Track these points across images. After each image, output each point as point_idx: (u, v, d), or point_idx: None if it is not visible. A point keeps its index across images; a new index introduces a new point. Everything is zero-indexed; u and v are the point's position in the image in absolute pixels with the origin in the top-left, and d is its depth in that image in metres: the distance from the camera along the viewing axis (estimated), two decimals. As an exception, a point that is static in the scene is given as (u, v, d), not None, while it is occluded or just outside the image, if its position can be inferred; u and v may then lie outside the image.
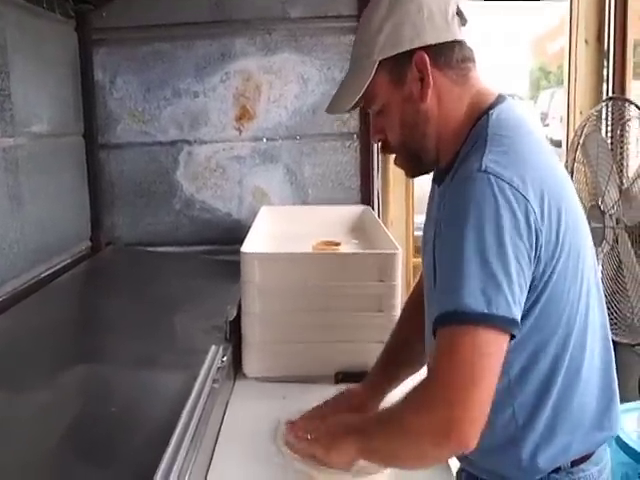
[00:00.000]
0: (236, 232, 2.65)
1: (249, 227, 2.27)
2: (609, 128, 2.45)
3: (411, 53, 1.21)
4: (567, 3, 3.06)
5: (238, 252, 1.89)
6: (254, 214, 2.56)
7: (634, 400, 2.30)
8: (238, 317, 1.88)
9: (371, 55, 1.22)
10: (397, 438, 1.17)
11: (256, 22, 2.82)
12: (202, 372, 1.50)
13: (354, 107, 1.28)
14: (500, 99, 1.24)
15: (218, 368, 1.61)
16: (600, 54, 2.98)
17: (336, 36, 2.83)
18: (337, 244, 2.21)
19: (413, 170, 1.36)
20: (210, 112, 2.87)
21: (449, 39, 1.22)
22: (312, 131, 2.87)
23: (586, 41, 2.98)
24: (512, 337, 1.10)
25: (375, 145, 2.86)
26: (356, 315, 1.88)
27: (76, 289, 2.36)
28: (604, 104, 2.52)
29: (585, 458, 1.24)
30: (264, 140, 2.89)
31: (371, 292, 1.88)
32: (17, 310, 1.97)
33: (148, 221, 2.92)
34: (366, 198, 2.88)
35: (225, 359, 1.68)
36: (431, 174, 1.40)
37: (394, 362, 1.57)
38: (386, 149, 1.33)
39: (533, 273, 1.11)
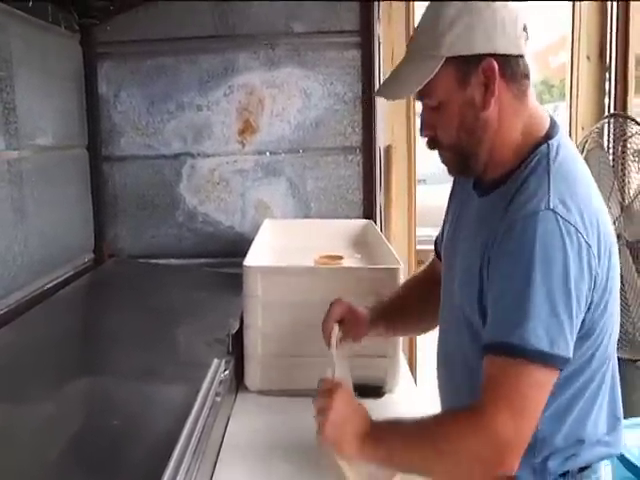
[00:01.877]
0: (239, 245, 2.66)
1: (252, 240, 2.27)
2: (611, 144, 2.45)
3: (479, 57, 1.19)
4: (569, 17, 3.08)
5: (241, 265, 1.90)
6: (257, 227, 2.57)
7: (637, 415, 2.29)
8: (240, 330, 1.89)
9: (438, 49, 1.20)
10: (434, 458, 1.18)
11: (260, 37, 2.84)
12: (204, 385, 1.50)
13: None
14: (555, 128, 1.26)
15: (220, 381, 1.62)
16: (602, 70, 2.99)
17: (339, 51, 2.84)
18: (339, 258, 2.22)
19: (458, 170, 1.34)
20: (213, 126, 2.89)
21: (517, 52, 1.21)
22: (315, 145, 2.89)
23: (588, 57, 3.00)
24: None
25: (378, 157, 2.87)
26: (358, 329, 1.88)
27: (79, 301, 2.37)
28: (605, 121, 2.53)
29: (588, 467, 1.26)
30: (267, 154, 2.90)
31: (373, 306, 1.88)
32: (21, 322, 1.98)
33: (151, 233, 2.94)
34: (369, 212, 2.89)
35: (227, 372, 1.68)
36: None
37: (399, 316, 1.65)
38: (434, 146, 1.31)
39: (585, 314, 1.15)
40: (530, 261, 1.10)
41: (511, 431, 1.10)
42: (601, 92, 3.01)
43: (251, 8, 2.82)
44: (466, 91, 1.21)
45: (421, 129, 1.31)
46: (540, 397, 1.12)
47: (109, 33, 2.82)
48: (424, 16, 1.27)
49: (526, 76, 1.24)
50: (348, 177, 2.90)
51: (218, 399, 1.55)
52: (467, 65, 1.20)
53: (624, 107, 2.93)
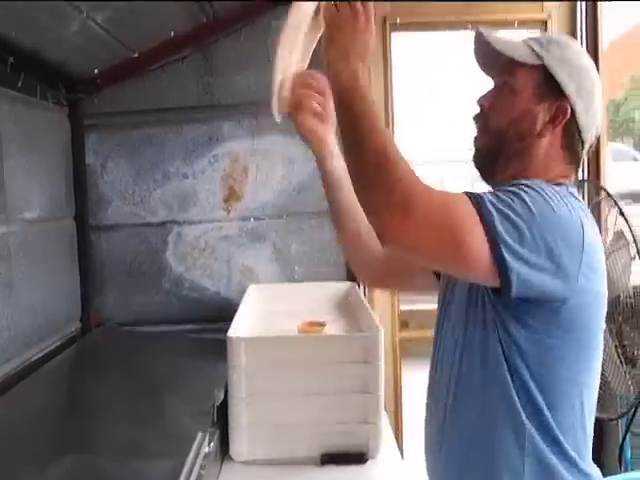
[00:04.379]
0: (225, 310, 2.70)
1: (238, 304, 2.32)
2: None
3: (562, 96, 1.26)
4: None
5: (226, 330, 1.94)
6: (243, 292, 2.61)
7: (615, 472, 2.30)
8: (225, 400, 1.91)
9: (543, 52, 1.27)
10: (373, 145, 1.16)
11: (243, 106, 2.93)
12: (188, 461, 1.52)
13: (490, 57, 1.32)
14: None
15: (205, 454, 1.64)
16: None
17: (320, 118, 2.92)
18: (322, 325, 2.25)
19: (483, 159, 1.35)
20: (199, 193, 2.95)
21: (586, 137, 1.29)
22: (298, 210, 2.95)
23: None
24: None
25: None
26: (341, 396, 1.91)
27: (65, 373, 2.38)
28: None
29: None
30: (251, 219, 2.96)
31: (355, 373, 1.91)
32: (9, 396, 2.00)
33: (138, 301, 2.97)
34: (352, 274, 2.92)
35: (212, 444, 1.71)
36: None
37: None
38: (479, 119, 1.35)
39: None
40: (534, 194, 1.13)
41: (421, 210, 1.10)
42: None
43: (234, 79, 2.92)
44: (535, 105, 1.28)
45: (480, 97, 1.35)
46: (458, 232, 1.11)
47: (96, 105, 2.90)
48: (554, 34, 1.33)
49: (576, 161, 1.32)
50: (331, 240, 2.93)
51: (202, 472, 1.56)
52: (551, 88, 1.27)
53: (597, 164, 3.01)
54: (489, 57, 1.33)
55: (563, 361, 1.21)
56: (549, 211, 1.13)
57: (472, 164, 1.38)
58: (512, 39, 1.33)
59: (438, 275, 1.51)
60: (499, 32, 1.34)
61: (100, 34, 2.32)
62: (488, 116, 1.33)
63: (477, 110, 1.35)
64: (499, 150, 1.30)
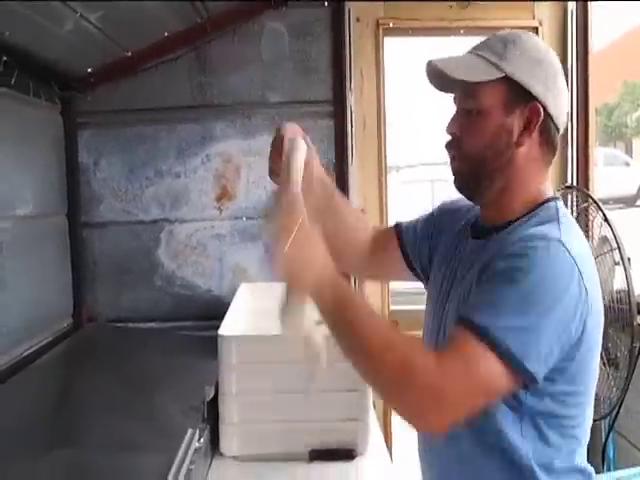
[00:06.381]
0: (216, 308, 2.71)
1: (229, 303, 2.34)
2: (574, 213, 2.53)
3: (530, 98, 1.22)
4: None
5: (218, 328, 1.96)
6: (234, 290, 2.63)
7: (598, 471, 2.33)
8: (216, 396, 1.93)
9: (503, 63, 1.22)
10: (377, 348, 1.14)
11: (236, 107, 2.95)
12: (178, 456, 1.53)
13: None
14: (556, 195, 1.30)
15: (195, 450, 1.65)
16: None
17: (313, 120, 2.95)
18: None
19: (464, 185, 1.31)
20: (191, 192, 2.97)
21: (559, 125, 1.26)
22: (290, 210, 2.96)
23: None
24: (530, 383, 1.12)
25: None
26: (330, 394, 1.93)
27: (57, 369, 2.39)
28: (565, 192, 2.63)
29: None
30: (244, 219, 2.98)
31: (344, 371, 1.91)
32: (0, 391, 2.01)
33: (129, 297, 2.99)
34: (344, 274, 2.94)
35: (202, 440, 1.72)
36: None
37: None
38: (453, 146, 1.29)
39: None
40: (529, 274, 1.09)
41: (453, 396, 1.07)
42: (564, 164, 3.08)
43: (228, 79, 2.94)
44: (507, 117, 1.23)
45: (449, 125, 1.29)
46: (490, 390, 1.10)
47: (89, 103, 2.92)
48: (505, 32, 1.29)
49: (553, 152, 1.28)
50: (323, 240, 2.96)
51: (192, 467, 1.58)
52: (519, 95, 1.22)
53: (586, 170, 3.04)
54: (446, 82, 1.27)
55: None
56: (554, 297, 1.11)
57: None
58: (465, 57, 1.28)
59: (413, 268, 1.55)
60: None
61: (94, 33, 2.34)
62: (462, 142, 1.27)
63: (448, 138, 1.30)
64: (481, 172, 1.26)
